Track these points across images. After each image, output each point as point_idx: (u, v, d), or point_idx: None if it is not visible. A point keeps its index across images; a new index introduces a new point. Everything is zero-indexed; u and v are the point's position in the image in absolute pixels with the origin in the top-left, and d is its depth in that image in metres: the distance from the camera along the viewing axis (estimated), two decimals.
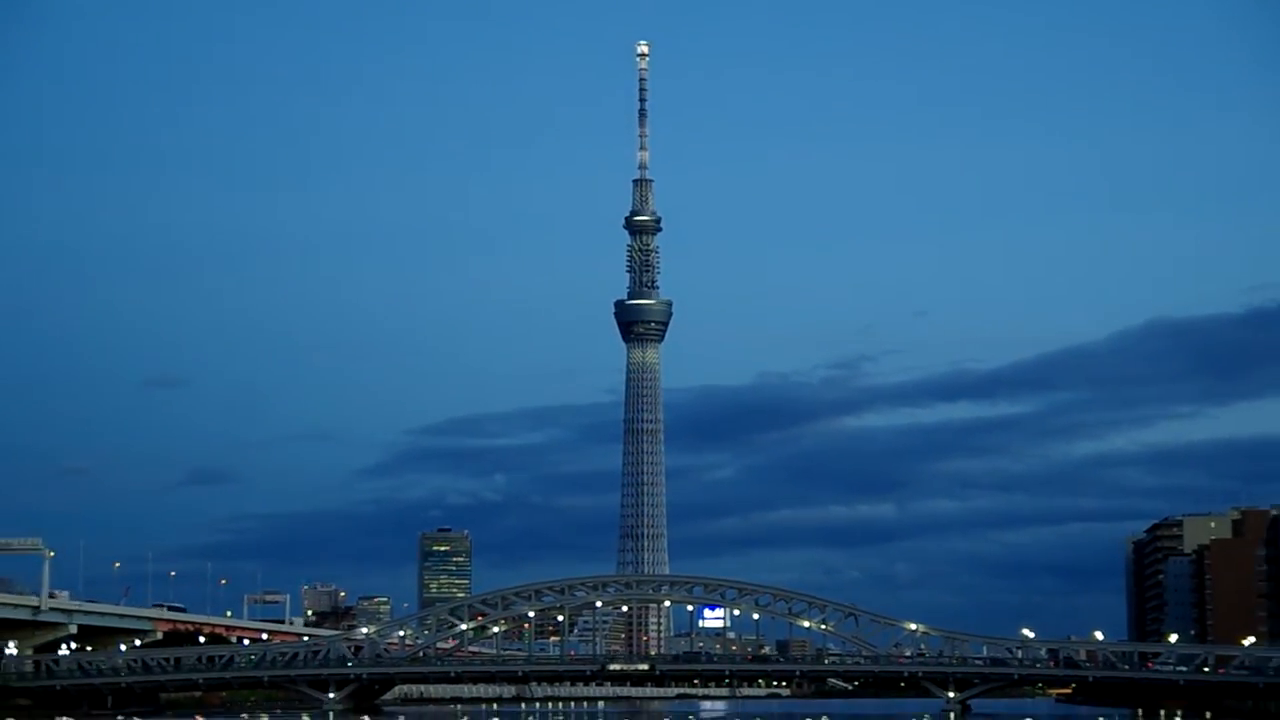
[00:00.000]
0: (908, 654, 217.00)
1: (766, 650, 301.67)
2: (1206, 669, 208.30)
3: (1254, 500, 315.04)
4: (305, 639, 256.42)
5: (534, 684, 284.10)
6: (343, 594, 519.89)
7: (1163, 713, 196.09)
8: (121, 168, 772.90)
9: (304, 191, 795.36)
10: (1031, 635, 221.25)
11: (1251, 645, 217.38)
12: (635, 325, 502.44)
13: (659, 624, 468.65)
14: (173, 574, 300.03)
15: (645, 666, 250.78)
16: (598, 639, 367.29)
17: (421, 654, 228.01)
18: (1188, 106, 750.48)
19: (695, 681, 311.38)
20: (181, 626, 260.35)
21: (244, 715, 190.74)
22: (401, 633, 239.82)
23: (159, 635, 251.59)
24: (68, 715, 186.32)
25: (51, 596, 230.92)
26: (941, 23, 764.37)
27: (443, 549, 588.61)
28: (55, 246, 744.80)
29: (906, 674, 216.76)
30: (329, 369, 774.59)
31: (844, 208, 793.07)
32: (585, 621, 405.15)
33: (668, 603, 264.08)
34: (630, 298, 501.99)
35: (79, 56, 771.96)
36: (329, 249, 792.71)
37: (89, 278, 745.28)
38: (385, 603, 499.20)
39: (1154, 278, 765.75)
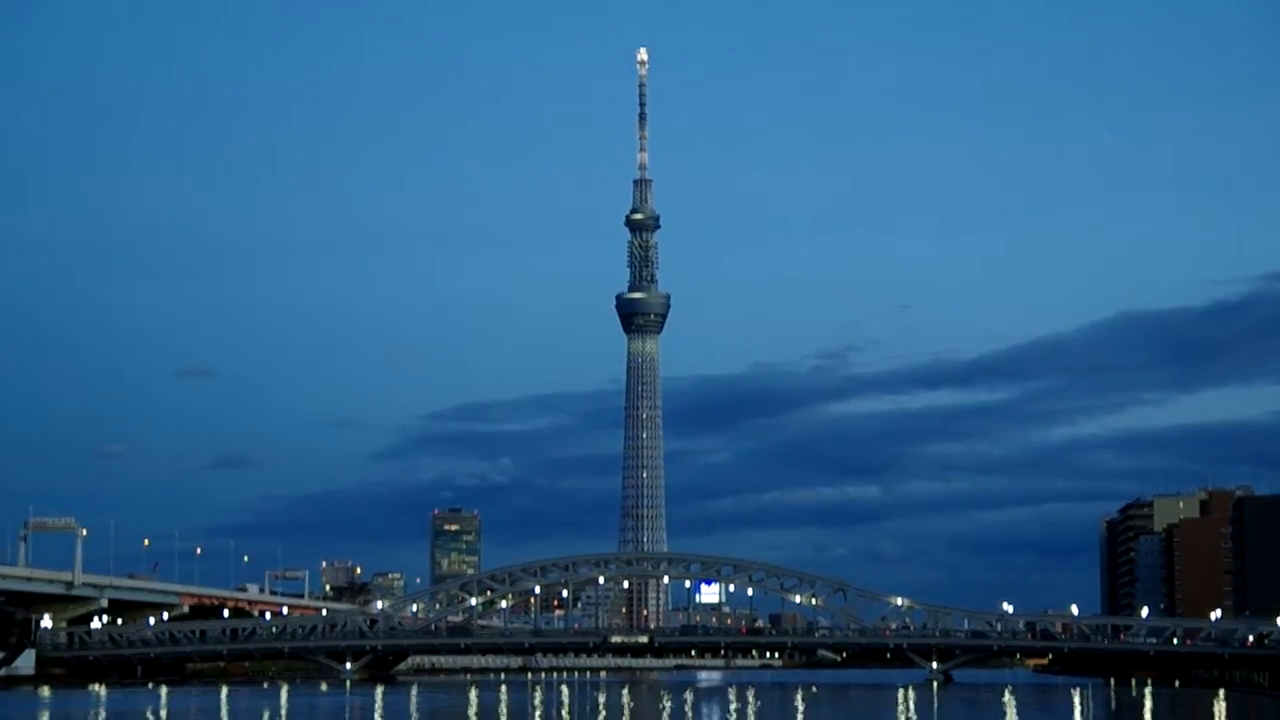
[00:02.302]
0: (893, 627, 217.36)
1: (760, 623, 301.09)
2: (1175, 641, 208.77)
3: (1220, 482, 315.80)
4: (324, 612, 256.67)
5: (539, 655, 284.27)
6: (359, 570, 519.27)
7: (1134, 682, 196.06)
8: (157, 175, 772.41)
9: (322, 194, 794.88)
10: (1010, 609, 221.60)
11: (1218, 619, 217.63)
12: (635, 317, 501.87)
13: (658, 599, 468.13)
14: (199, 551, 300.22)
15: (645, 639, 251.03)
16: (600, 613, 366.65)
17: (433, 627, 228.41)
18: (1151, 115, 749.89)
19: (692, 653, 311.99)
20: (206, 600, 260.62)
21: (265, 685, 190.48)
22: (414, 607, 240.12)
23: (185, 609, 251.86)
24: (99, 684, 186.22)
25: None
26: (925, 30, 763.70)
27: (453, 528, 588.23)
28: (94, 250, 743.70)
29: (892, 646, 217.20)
30: (345, 360, 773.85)
31: (831, 207, 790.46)
32: (588, 596, 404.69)
33: (666, 579, 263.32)
34: (630, 291, 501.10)
35: (103, 65, 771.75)
36: (346, 248, 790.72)
37: (125, 278, 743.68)
38: (399, 578, 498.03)
39: (1123, 273, 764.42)
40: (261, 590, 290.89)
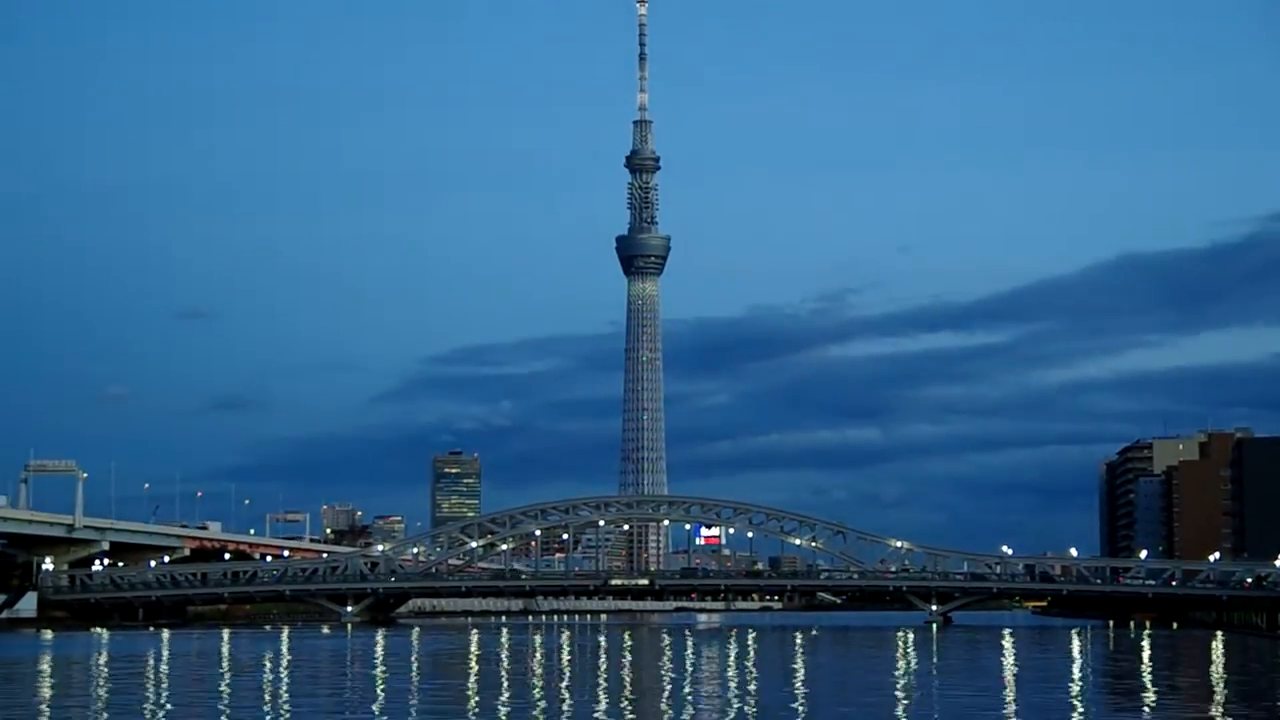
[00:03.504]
0: (893, 569, 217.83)
1: (759, 566, 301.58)
2: (1174, 583, 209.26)
3: (1220, 424, 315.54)
4: (325, 555, 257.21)
5: (540, 598, 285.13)
6: (359, 513, 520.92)
7: (1132, 623, 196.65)
8: (159, 119, 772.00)
9: (324, 138, 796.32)
10: (1009, 551, 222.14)
11: (1217, 561, 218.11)
12: (635, 259, 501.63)
13: (658, 541, 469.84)
14: (200, 494, 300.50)
15: (645, 582, 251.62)
16: (600, 556, 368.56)
17: (434, 570, 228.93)
18: (1152, 57, 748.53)
19: (692, 595, 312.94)
20: (208, 543, 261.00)
21: (267, 627, 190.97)
22: (415, 550, 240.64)
23: (187, 552, 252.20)
24: (101, 626, 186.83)
25: None
26: None
27: (454, 471, 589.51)
28: (95, 190, 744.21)
29: (892, 588, 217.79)
30: (346, 302, 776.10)
31: (831, 149, 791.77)
32: (589, 539, 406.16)
33: (666, 521, 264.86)
34: (631, 233, 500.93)
35: (120, 6, 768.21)
36: (348, 190, 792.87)
37: (126, 219, 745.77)
38: (400, 522, 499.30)
39: (1123, 215, 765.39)
40: (224, 529, 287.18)
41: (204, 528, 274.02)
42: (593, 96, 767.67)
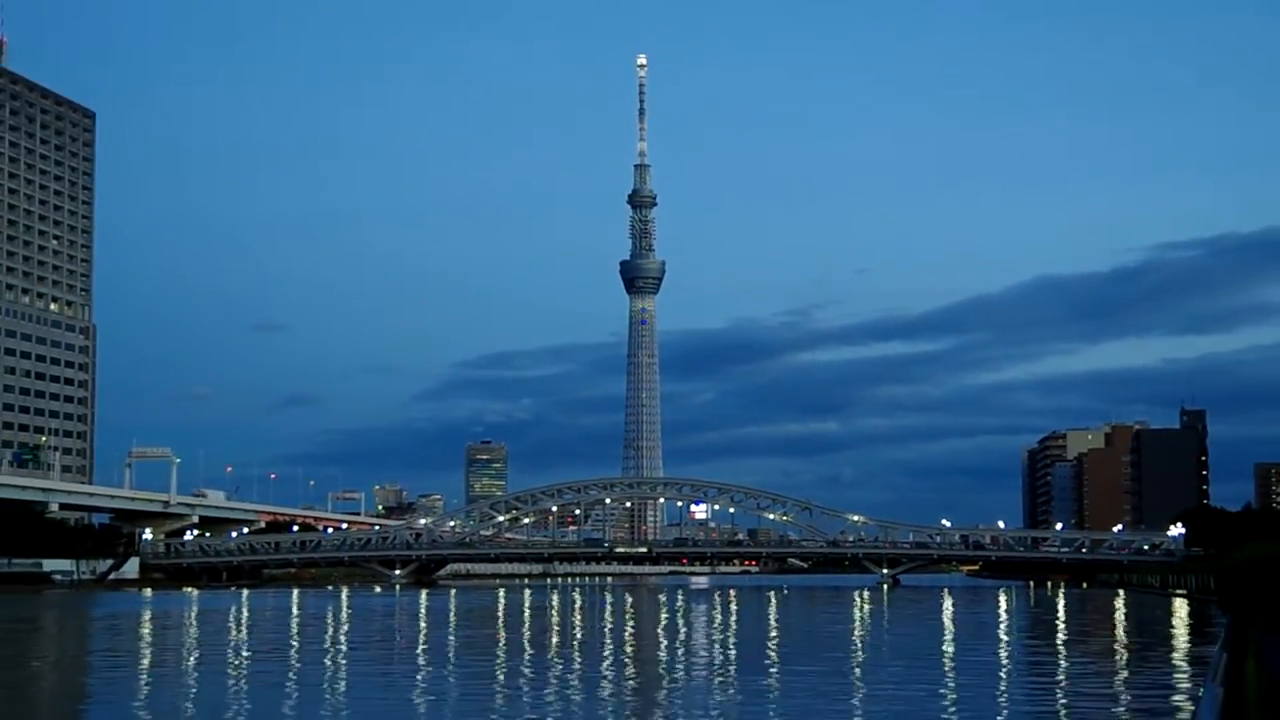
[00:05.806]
0: (850, 539, 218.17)
1: (740, 536, 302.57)
2: (1084, 550, 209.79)
3: (1121, 418, 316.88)
4: (377, 528, 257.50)
5: (556, 563, 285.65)
6: (406, 492, 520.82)
7: (1049, 584, 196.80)
8: (238, 168, 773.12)
9: (378, 177, 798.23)
10: (948, 524, 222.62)
11: (1119, 531, 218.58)
12: (636, 280, 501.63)
13: (655, 516, 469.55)
14: (273, 476, 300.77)
15: (644, 549, 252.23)
16: (607, 528, 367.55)
17: (468, 539, 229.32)
18: (1061, 109, 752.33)
19: (684, 561, 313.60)
20: (280, 517, 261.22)
21: (329, 587, 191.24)
22: (452, 523, 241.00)
23: (262, 524, 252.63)
24: (191, 586, 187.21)
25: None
26: (870, 28, 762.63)
27: (484, 457, 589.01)
28: (187, 227, 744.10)
29: (850, 555, 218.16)
30: (392, 316, 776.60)
31: (800, 188, 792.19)
32: (597, 514, 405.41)
33: (662, 499, 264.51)
34: (632, 258, 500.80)
35: (195, 68, 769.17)
36: (395, 222, 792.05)
37: (211, 249, 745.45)
38: (440, 499, 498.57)
39: (1040, 243, 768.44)
40: (228, 496, 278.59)
41: (202, 494, 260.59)
42: (600, 145, 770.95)
